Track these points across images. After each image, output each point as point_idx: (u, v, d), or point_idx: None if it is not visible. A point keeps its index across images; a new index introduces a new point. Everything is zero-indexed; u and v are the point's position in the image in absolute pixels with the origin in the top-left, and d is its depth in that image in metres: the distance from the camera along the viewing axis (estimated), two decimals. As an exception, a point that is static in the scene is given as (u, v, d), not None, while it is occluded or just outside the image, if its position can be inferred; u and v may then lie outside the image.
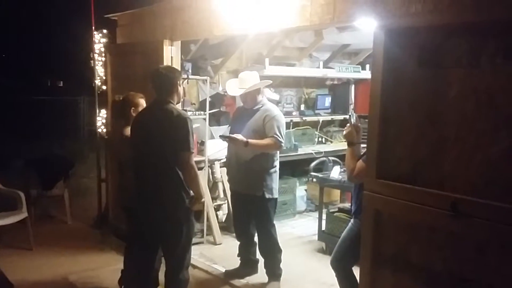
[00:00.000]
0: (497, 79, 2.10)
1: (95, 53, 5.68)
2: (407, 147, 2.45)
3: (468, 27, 2.19)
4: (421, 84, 2.37)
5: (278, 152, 4.08)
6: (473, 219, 2.15)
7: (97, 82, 5.72)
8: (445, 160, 2.29)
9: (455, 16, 2.23)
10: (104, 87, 5.69)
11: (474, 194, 2.17)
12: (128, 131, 3.53)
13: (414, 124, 2.41)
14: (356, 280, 2.86)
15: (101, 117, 5.78)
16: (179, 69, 4.27)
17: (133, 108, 3.67)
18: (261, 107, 4.00)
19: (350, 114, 3.24)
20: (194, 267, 4.37)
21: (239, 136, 3.82)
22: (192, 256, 3.44)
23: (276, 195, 4.05)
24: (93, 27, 5.61)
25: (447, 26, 2.26)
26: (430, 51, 2.33)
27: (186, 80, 5.00)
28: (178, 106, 3.36)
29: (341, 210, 5.05)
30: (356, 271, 2.93)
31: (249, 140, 3.80)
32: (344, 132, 3.27)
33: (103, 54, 5.65)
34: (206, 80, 5.27)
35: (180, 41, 4.63)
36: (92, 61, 5.84)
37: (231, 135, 3.91)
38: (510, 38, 2.05)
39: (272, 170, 3.99)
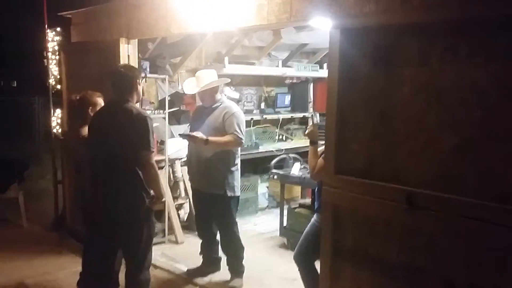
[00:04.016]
0: (446, 77, 2.19)
1: (49, 51, 5.54)
2: (363, 143, 2.52)
3: (418, 27, 2.28)
4: (375, 82, 2.45)
5: (239, 149, 4.10)
6: (426, 211, 2.24)
7: (52, 81, 5.58)
8: (398, 156, 2.37)
9: (406, 16, 2.32)
10: (58, 87, 5.56)
11: (426, 187, 2.26)
12: (85, 131, 3.47)
13: (369, 121, 2.49)
14: (318, 274, 2.93)
15: (56, 117, 5.64)
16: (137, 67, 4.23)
17: (90, 107, 3.61)
18: (220, 105, 4.01)
19: (312, 113, 3.31)
20: (156, 267, 4.33)
21: (199, 134, 3.82)
22: (153, 256, 3.41)
23: (238, 193, 4.07)
24: (46, 25, 5.47)
25: (399, 26, 2.34)
26: (383, 50, 2.41)
27: (144, 79, 4.95)
28: (137, 105, 3.33)
29: (302, 206, 5.13)
30: (318, 265, 3.00)
31: (209, 138, 3.81)
32: (307, 131, 3.35)
33: (57, 53, 5.51)
34: (165, 79, 5.24)
35: (137, 40, 4.57)
36: (46, 60, 5.68)
37: (190, 133, 3.90)
38: (457, 38, 2.15)
39: (234, 168, 4.01)
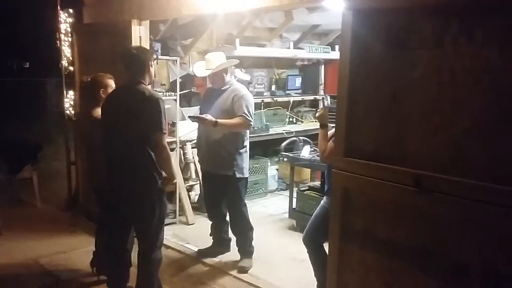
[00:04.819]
0: (460, 59, 2.16)
1: (61, 33, 5.55)
2: (374, 126, 2.51)
3: (432, 9, 2.25)
4: (388, 64, 2.42)
5: (248, 131, 4.12)
6: (435, 194, 2.23)
7: (64, 63, 5.61)
8: (410, 138, 2.36)
9: (420, -3, 2.28)
10: (71, 68, 5.58)
11: (436, 170, 2.25)
12: (97, 112, 3.49)
13: (380, 103, 2.47)
14: (326, 255, 2.95)
15: (69, 98, 5.68)
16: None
17: (102, 89, 3.63)
18: (229, 87, 4.02)
19: (323, 96, 3.31)
20: (167, 247, 4.40)
21: (208, 116, 3.84)
22: (164, 237, 3.46)
23: (246, 175, 4.10)
24: (59, 7, 5.47)
25: (413, 7, 2.31)
26: (396, 32, 2.38)
27: (156, 61, 4.95)
28: (150, 87, 3.34)
29: (311, 188, 5.16)
30: (327, 247, 3.02)
31: (218, 120, 3.83)
32: (317, 114, 3.36)
33: (70, 35, 5.53)
34: (176, 60, 5.24)
35: (148, 21, 4.57)
36: (58, 42, 5.70)
37: (200, 115, 3.92)
38: (472, 20, 2.11)
39: (242, 150, 4.04)
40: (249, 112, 3.92)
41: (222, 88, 4.02)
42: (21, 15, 14.57)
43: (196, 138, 4.37)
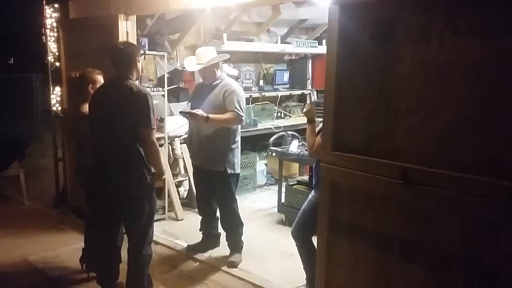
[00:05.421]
0: (445, 53, 2.19)
1: (47, 28, 5.49)
2: (361, 120, 2.53)
3: (417, 3, 2.27)
4: (374, 58, 2.44)
5: (239, 127, 4.12)
6: (421, 187, 2.26)
7: (50, 58, 5.55)
8: (396, 132, 2.39)
9: (405, -8, 2.30)
10: (57, 64, 5.53)
11: (423, 163, 2.28)
12: (85, 108, 3.48)
13: (367, 97, 2.49)
14: (315, 248, 2.98)
15: (56, 94, 5.63)
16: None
17: (90, 84, 3.61)
18: (220, 82, 4.02)
19: (310, 91, 3.33)
20: (157, 243, 4.40)
21: (199, 112, 3.83)
22: (154, 233, 3.46)
23: (238, 170, 4.11)
24: (44, 1, 5.41)
25: (398, 1, 2.33)
26: (382, 26, 2.40)
27: (143, 56, 4.93)
28: (137, 83, 3.33)
29: (300, 182, 5.19)
30: (316, 240, 3.05)
31: (210, 115, 3.82)
32: (304, 110, 3.38)
33: (56, 30, 5.47)
34: (163, 55, 5.22)
35: (135, 16, 4.54)
36: (44, 37, 5.64)
37: (191, 110, 3.92)
38: (457, 14, 2.14)
39: (234, 145, 4.04)
40: (240, 107, 3.92)
41: (213, 83, 4.02)
42: (5, 9, 14.36)
43: (187, 133, 4.36)
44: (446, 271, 2.27)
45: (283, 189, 5.21)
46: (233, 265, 4.05)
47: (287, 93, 7.32)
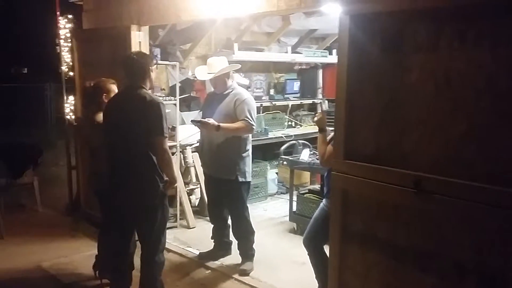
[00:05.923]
0: (454, 62, 2.21)
1: (61, 38, 5.59)
2: (372, 129, 2.55)
3: (427, 13, 2.29)
4: (384, 68, 2.47)
5: (250, 136, 4.15)
6: (434, 195, 2.27)
7: (64, 68, 5.65)
8: (407, 141, 2.40)
9: (413, 2, 2.32)
10: (71, 74, 5.62)
11: (434, 172, 2.29)
12: (99, 117, 3.53)
13: (378, 106, 2.51)
14: (327, 257, 2.98)
15: (69, 103, 5.71)
16: (148, 54, 4.27)
17: (104, 94, 3.67)
18: (231, 91, 4.06)
19: (321, 101, 3.35)
20: (169, 250, 4.42)
21: (210, 120, 3.87)
22: (166, 241, 3.49)
23: (249, 179, 4.13)
24: (58, 12, 5.51)
25: (408, 11, 2.35)
26: (392, 36, 2.42)
27: (155, 66, 4.99)
28: (151, 92, 3.38)
29: (311, 191, 5.19)
30: (327, 249, 3.06)
31: (221, 124, 3.86)
32: (315, 119, 3.40)
33: (69, 40, 5.57)
34: (175, 65, 5.28)
35: (148, 26, 4.61)
36: (57, 47, 5.74)
37: (202, 119, 3.96)
38: (466, 23, 2.16)
39: (245, 154, 4.07)
40: (251, 116, 3.95)
41: (224, 93, 4.06)
42: (20, 20, 14.60)
43: (199, 142, 4.39)
44: (458, 279, 2.27)
45: (294, 198, 5.21)
46: (245, 273, 4.06)
47: (298, 102, 7.35)
